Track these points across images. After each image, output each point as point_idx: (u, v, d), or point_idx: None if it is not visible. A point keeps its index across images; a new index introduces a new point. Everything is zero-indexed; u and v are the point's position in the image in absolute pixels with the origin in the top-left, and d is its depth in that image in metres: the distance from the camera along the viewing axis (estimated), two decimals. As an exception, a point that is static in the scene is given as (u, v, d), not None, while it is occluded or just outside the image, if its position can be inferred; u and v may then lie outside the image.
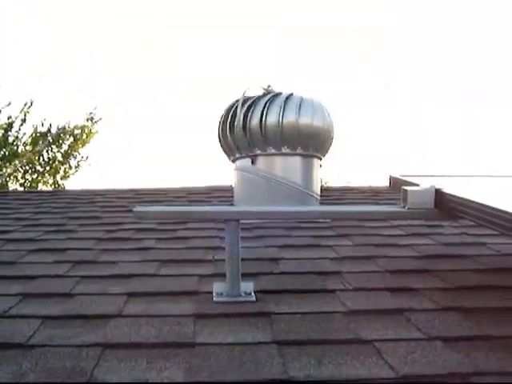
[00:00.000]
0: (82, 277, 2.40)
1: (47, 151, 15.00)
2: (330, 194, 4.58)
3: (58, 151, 15.09)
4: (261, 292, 2.12)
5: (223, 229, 2.23)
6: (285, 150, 3.53)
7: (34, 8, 21.02)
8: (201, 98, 26.11)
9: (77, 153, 15.23)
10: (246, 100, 3.60)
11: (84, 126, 15.20)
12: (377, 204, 4.18)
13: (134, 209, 2.05)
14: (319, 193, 3.76)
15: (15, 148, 14.42)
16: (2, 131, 14.18)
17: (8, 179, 14.29)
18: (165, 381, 1.45)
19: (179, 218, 2.57)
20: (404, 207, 2.12)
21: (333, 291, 2.15)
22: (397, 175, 2.66)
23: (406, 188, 2.11)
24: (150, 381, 1.45)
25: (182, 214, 2.14)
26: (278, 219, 3.10)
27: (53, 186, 14.91)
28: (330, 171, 15.34)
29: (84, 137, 15.18)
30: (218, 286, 2.12)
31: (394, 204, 2.33)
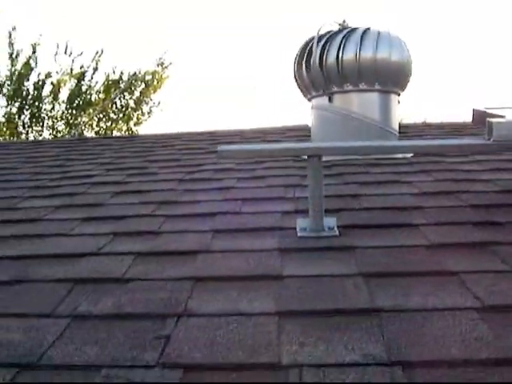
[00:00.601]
0: (168, 216, 2.49)
1: (120, 98, 15.23)
2: (408, 131, 4.49)
3: (131, 98, 15.29)
4: (343, 227, 2.15)
5: (301, 167, 2.25)
6: (362, 86, 3.48)
7: (33, 8, 21.05)
8: (201, 98, 25.91)
9: (149, 99, 15.40)
10: (321, 37, 3.55)
11: (155, 71, 15.30)
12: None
13: (218, 148, 2.08)
14: (398, 129, 3.70)
15: (89, 97, 14.71)
16: (75, 81, 14.46)
17: (84, 128, 14.65)
18: (257, 311, 1.50)
19: (262, 155, 2.59)
20: (489, 140, 2.07)
21: (416, 225, 2.15)
22: (481, 108, 2.58)
23: (491, 120, 2.06)
24: (243, 311, 1.51)
25: (264, 151, 2.16)
26: (359, 155, 3.08)
27: (127, 133, 15.19)
28: (406, 108, 14.95)
29: (155, 82, 15.30)
30: (301, 222, 2.15)
31: (478, 137, 2.29)
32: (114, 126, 15.28)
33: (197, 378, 1.22)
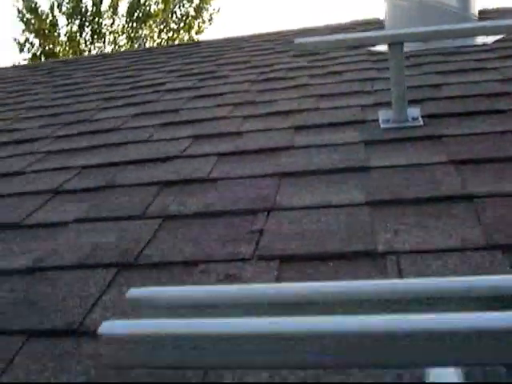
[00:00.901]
0: (246, 116, 2.46)
1: (179, 7, 15.02)
2: (487, 16, 4.22)
3: (190, 6, 15.07)
4: (427, 116, 2.07)
5: (376, 60, 2.14)
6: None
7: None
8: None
9: (208, 5, 15.14)
10: None
11: (213, -25, 14.97)
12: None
13: (295, 40, 2.01)
14: (477, 14, 3.49)
15: (148, 8, 14.56)
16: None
17: (145, 40, 14.58)
18: (347, 202, 1.49)
19: (341, 46, 2.47)
20: None
21: (503, 111, 2.05)
22: None
23: None
24: (333, 203, 1.49)
25: (343, 41, 2.06)
26: (444, 38, 2.91)
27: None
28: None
29: (214, -13, 15.00)
30: (383, 114, 2.09)
31: None
32: (175, 36, 15.16)
33: (294, 268, 1.23)
